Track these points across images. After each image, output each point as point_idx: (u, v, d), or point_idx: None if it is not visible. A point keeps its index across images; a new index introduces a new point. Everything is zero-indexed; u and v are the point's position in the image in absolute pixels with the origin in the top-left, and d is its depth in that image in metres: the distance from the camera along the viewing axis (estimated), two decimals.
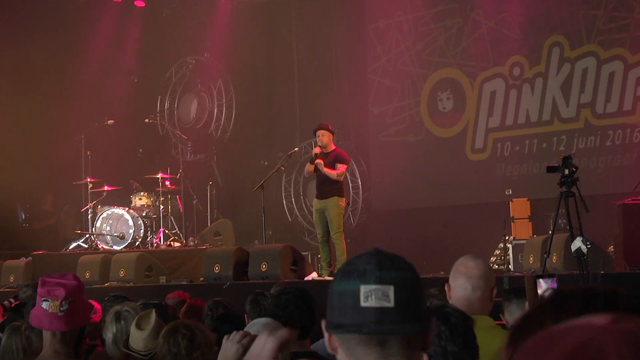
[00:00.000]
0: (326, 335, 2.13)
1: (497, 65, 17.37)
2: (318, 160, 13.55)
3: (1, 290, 15.45)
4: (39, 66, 19.42)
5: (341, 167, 13.53)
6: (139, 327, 5.13)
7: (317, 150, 13.76)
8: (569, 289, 1.73)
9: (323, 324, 2.13)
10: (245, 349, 2.82)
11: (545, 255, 10.50)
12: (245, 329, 3.64)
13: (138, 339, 5.07)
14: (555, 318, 1.64)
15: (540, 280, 4.43)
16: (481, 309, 4.56)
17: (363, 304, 2.03)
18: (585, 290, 1.72)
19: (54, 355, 4.36)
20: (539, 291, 4.27)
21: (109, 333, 5.76)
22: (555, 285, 4.23)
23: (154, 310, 5.32)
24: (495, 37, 17.34)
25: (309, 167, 13.86)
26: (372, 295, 2.03)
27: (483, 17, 17.50)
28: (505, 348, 1.70)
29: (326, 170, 13.46)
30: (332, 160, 13.59)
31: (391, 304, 2.03)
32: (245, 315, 6.59)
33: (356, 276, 2.06)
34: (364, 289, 2.04)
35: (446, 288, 4.67)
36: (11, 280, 15.96)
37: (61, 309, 4.32)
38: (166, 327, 4.80)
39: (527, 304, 4.26)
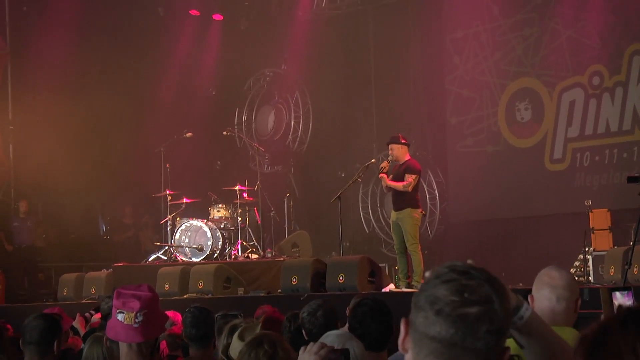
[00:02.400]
0: (403, 333, 2.12)
1: (576, 75, 17.16)
2: (381, 175, 13.62)
3: (83, 302, 15.67)
4: (117, 80, 19.72)
5: (408, 178, 13.47)
6: (241, 338, 5.13)
7: (383, 164, 13.77)
8: None
9: (403, 321, 2.12)
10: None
11: (626, 267, 10.31)
12: (319, 341, 3.65)
13: (237, 349, 5.07)
14: (632, 340, 1.62)
15: (616, 292, 4.35)
16: (565, 320, 4.47)
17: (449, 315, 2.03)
18: None
19: None
20: (615, 303, 4.19)
21: (220, 345, 5.80)
22: (631, 298, 4.15)
23: (260, 324, 5.33)
24: (574, 46, 17.13)
25: (384, 182, 13.87)
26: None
27: (562, 26, 17.31)
28: (579, 359, 1.68)
29: (390, 184, 13.50)
30: (402, 171, 13.56)
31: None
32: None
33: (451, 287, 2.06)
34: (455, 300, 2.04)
35: (529, 299, 4.59)
36: (92, 292, 16.18)
37: (136, 320, 4.34)
38: (251, 338, 4.79)
39: (602, 316, 4.17)
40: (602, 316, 4.05)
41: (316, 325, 6.09)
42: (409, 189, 13.44)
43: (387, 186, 13.83)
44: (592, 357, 1.65)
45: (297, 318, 7.44)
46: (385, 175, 13.59)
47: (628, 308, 1.72)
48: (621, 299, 4.22)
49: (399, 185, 13.46)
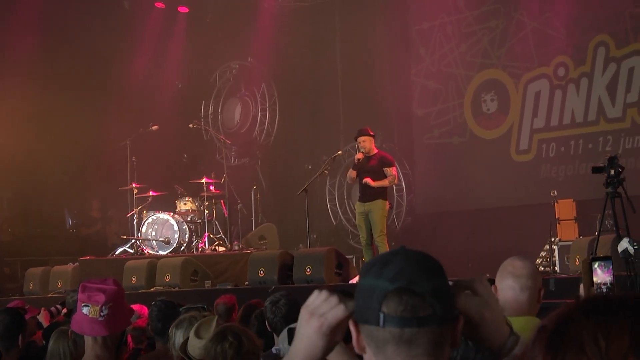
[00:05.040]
0: (354, 333, 2.11)
1: (541, 66, 17.24)
2: (366, 179, 13.54)
3: (49, 295, 15.60)
4: (83, 73, 19.60)
5: (392, 171, 13.54)
6: (197, 335, 5.10)
7: (359, 156, 13.76)
8: (612, 295, 1.70)
9: (351, 322, 2.11)
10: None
11: (591, 257, 10.37)
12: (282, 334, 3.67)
13: (195, 346, 5.05)
14: (594, 329, 1.62)
15: (597, 267, 4.33)
16: (529, 310, 4.50)
17: (391, 301, 2.02)
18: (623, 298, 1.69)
19: None
20: (595, 279, 4.18)
21: (176, 339, 5.77)
22: (611, 274, 4.14)
23: (215, 318, 5.30)
24: (539, 37, 17.20)
25: (351, 174, 13.87)
26: (403, 295, 2.02)
27: (527, 18, 17.38)
28: (538, 349, 1.67)
29: (378, 184, 13.50)
30: (377, 164, 13.59)
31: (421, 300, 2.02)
32: None
33: (383, 274, 2.05)
34: (392, 287, 2.03)
35: (492, 290, 4.59)
36: (59, 286, 16.11)
37: (101, 314, 4.34)
38: (214, 332, 4.78)
39: (581, 286, 4.19)
40: (581, 286, 4.05)
41: (277, 315, 6.08)
42: (396, 182, 13.49)
43: (353, 179, 13.84)
44: (553, 347, 1.65)
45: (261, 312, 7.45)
46: (369, 179, 13.56)
47: (588, 297, 1.72)
48: (601, 275, 4.21)
49: (385, 183, 13.52)
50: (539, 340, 1.68)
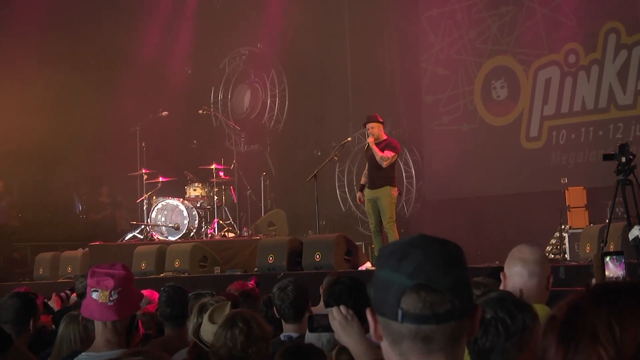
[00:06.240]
0: (372, 322, 2.11)
1: (552, 53, 17.18)
2: (369, 140, 13.54)
3: (59, 280, 15.65)
4: (92, 60, 19.64)
5: (389, 154, 13.42)
6: (211, 319, 5.10)
7: (370, 140, 13.71)
8: (622, 282, 1.69)
9: (368, 311, 2.10)
10: None
11: (602, 244, 10.35)
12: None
13: (208, 331, 5.05)
14: (606, 317, 1.61)
15: (608, 260, 4.30)
16: (538, 297, 4.45)
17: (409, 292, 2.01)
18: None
19: (105, 345, 4.39)
20: (607, 273, 4.16)
21: (190, 325, 5.77)
22: (623, 268, 4.12)
23: (229, 304, 5.30)
24: (550, 24, 17.14)
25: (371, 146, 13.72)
26: (421, 291, 2.01)
27: (537, 4, 17.31)
28: (551, 339, 1.66)
29: (374, 149, 13.41)
30: (382, 149, 13.56)
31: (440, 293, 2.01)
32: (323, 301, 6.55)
33: (402, 268, 2.04)
34: (411, 283, 2.02)
35: (501, 277, 4.57)
36: (69, 271, 16.16)
37: (110, 298, 4.34)
38: (224, 318, 4.77)
39: (593, 281, 4.16)
40: (594, 281, 4.04)
41: (286, 301, 6.08)
42: (384, 164, 13.39)
43: (370, 155, 13.73)
44: (566, 336, 1.64)
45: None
46: (372, 140, 13.54)
47: (598, 284, 1.71)
48: (613, 269, 4.20)
49: (377, 154, 13.39)
50: (550, 331, 1.67)
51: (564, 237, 14.09)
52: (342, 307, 3.47)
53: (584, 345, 1.61)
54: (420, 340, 2.02)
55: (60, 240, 19.37)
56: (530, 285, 4.45)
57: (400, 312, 2.01)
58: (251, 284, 8.83)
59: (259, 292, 7.99)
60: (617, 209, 11.05)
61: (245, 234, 17.04)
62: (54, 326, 6.91)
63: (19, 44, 19.13)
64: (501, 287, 4.48)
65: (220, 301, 5.67)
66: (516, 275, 4.47)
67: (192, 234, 16.81)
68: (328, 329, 3.56)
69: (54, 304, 9.03)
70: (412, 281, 2.01)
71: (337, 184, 19.93)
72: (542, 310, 4.36)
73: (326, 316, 3.52)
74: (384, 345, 2.08)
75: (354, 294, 5.60)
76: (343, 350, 3.92)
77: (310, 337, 5.15)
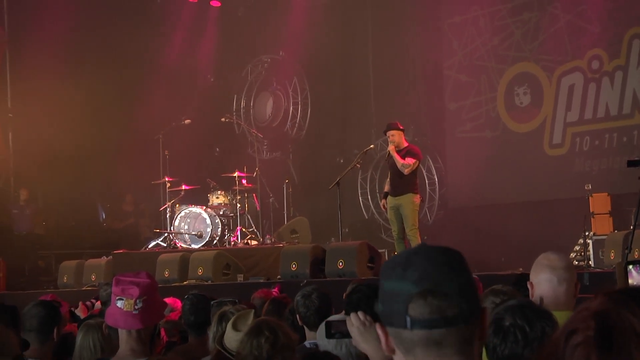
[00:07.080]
0: (382, 336, 2.11)
1: (575, 59, 17.12)
2: (390, 148, 13.58)
3: (84, 289, 15.69)
4: (115, 68, 19.70)
5: (410, 161, 13.44)
6: (235, 327, 5.09)
7: (391, 148, 13.71)
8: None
9: (378, 325, 2.11)
10: None
11: (626, 251, 10.28)
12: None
13: (232, 339, 5.04)
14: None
15: (632, 270, 4.27)
16: (567, 304, 4.42)
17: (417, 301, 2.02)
18: None
19: (130, 354, 4.39)
20: (630, 281, 4.13)
21: (210, 333, 5.78)
22: None
23: (252, 312, 5.29)
24: (573, 30, 17.08)
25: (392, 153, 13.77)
26: (428, 297, 2.02)
27: (560, 10, 17.26)
28: (581, 353, 1.65)
29: (395, 156, 13.45)
30: (403, 156, 13.55)
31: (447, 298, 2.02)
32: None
33: (407, 276, 2.04)
34: (417, 289, 2.03)
35: (528, 286, 4.54)
36: (93, 279, 16.19)
37: (136, 307, 4.34)
38: (250, 326, 4.77)
39: None
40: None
41: (310, 308, 6.06)
42: (406, 171, 13.40)
43: (392, 162, 13.76)
44: (605, 345, 1.64)
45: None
46: (393, 147, 13.58)
47: (612, 292, 1.71)
48: (637, 277, 4.17)
49: (399, 161, 13.42)
50: (583, 346, 1.66)
51: (588, 243, 14.03)
52: (360, 313, 3.47)
53: (633, 346, 1.61)
54: (432, 345, 2.03)
55: (84, 249, 19.44)
56: (560, 292, 4.42)
57: (409, 319, 2.02)
58: (275, 291, 8.84)
59: (289, 300, 7.99)
60: None
61: (268, 241, 17.05)
62: None
63: (46, 55, 19.22)
64: (530, 296, 4.45)
65: (241, 310, 5.66)
66: (545, 282, 4.44)
67: (215, 241, 16.83)
68: (346, 335, 3.56)
69: (80, 312, 9.07)
70: (418, 287, 2.02)
71: (359, 191, 19.92)
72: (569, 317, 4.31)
73: (344, 322, 3.52)
74: (397, 357, 2.08)
75: (372, 301, 5.58)
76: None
77: (325, 343, 5.13)
